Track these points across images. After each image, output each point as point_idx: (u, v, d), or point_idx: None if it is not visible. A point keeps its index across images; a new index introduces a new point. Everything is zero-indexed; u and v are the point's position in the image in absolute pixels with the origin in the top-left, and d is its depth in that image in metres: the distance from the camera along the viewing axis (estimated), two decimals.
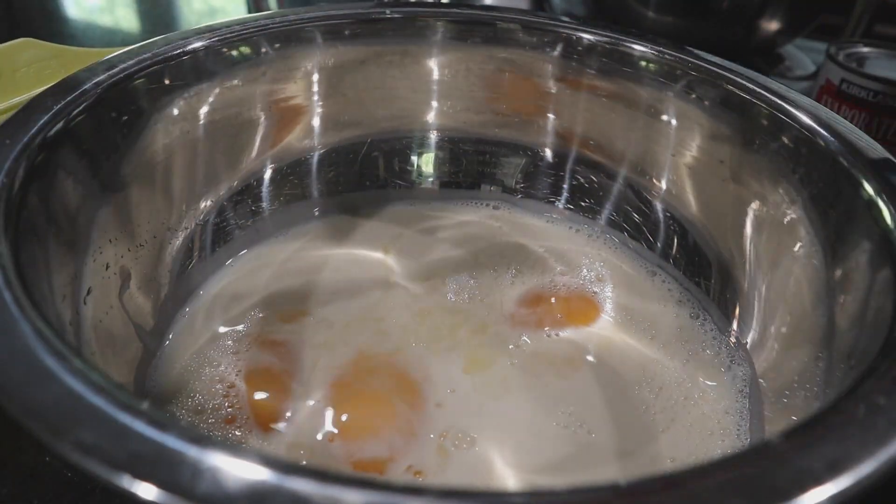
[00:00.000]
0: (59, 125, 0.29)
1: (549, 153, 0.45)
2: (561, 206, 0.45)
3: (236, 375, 0.33)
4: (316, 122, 0.43)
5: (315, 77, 0.42)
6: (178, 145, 0.36)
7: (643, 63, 0.40)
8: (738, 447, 0.31)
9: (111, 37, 0.78)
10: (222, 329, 0.35)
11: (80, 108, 0.30)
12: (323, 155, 0.44)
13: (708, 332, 0.37)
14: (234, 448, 0.16)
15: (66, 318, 0.26)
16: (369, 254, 0.41)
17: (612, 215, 0.43)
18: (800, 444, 0.18)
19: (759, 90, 0.35)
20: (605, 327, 0.37)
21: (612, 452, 0.30)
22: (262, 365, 0.33)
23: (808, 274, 0.31)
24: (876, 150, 0.30)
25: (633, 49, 0.40)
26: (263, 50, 0.39)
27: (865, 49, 0.55)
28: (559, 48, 0.42)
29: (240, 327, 0.36)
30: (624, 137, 0.42)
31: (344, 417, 0.31)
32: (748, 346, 0.34)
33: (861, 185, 0.29)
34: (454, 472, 0.29)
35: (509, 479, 0.29)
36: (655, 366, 0.35)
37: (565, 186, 0.45)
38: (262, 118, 0.40)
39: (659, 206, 0.41)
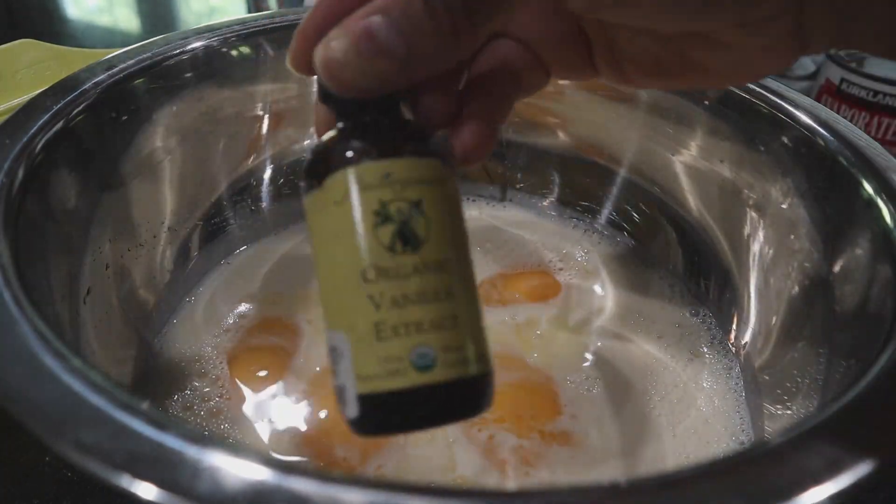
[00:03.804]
0: (59, 125, 0.29)
1: (549, 152, 0.45)
2: (561, 204, 0.45)
3: (230, 370, 0.33)
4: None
5: (315, 77, 0.41)
6: (178, 145, 0.36)
7: None
8: (738, 447, 0.31)
9: (111, 37, 0.78)
10: (218, 326, 0.35)
11: (80, 108, 0.30)
12: None
13: (708, 331, 0.37)
14: (234, 448, 0.16)
15: (66, 317, 0.26)
16: None
17: (612, 215, 0.43)
18: (800, 443, 0.18)
19: (758, 90, 0.35)
20: (603, 326, 0.37)
21: (612, 452, 0.30)
22: (255, 361, 0.34)
23: (808, 273, 0.31)
24: (875, 149, 0.30)
25: None
26: (263, 50, 0.39)
27: None
28: None
29: (235, 323, 0.36)
30: (624, 137, 0.42)
31: (325, 416, 0.31)
32: (748, 345, 0.34)
33: (860, 185, 0.29)
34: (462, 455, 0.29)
35: (510, 468, 0.29)
36: (656, 364, 0.35)
37: (565, 185, 0.45)
38: (262, 118, 0.40)
39: (658, 206, 0.41)
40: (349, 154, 0.18)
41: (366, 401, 0.18)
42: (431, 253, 0.18)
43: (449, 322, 0.18)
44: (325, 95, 0.20)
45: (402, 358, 0.17)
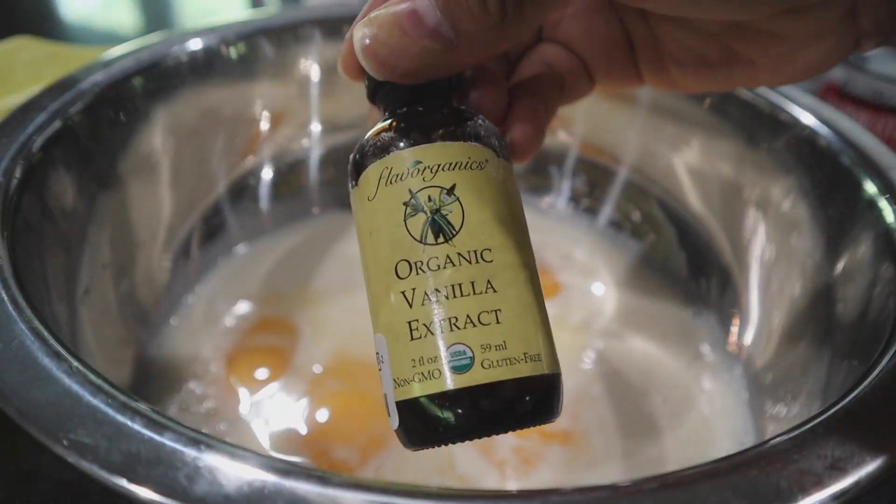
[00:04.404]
0: (57, 124, 0.29)
1: (549, 152, 0.45)
2: (561, 205, 0.45)
3: (228, 371, 0.33)
4: (315, 121, 0.43)
5: (314, 76, 0.41)
6: (177, 144, 0.36)
7: None
8: (739, 447, 0.31)
9: (109, 35, 0.78)
10: (216, 326, 0.35)
11: (78, 107, 0.30)
12: (322, 154, 0.44)
13: (710, 331, 0.37)
14: (232, 449, 0.16)
15: (63, 317, 0.26)
16: None
17: (613, 215, 0.43)
18: (800, 444, 0.17)
19: (760, 89, 0.35)
20: (603, 326, 0.37)
21: (612, 452, 0.30)
22: (253, 361, 0.33)
23: (810, 273, 0.31)
24: (878, 149, 0.30)
25: None
26: (263, 49, 0.39)
27: None
28: None
29: (233, 323, 0.35)
30: (624, 137, 0.42)
31: (324, 417, 0.31)
32: (750, 345, 0.34)
33: (863, 185, 0.28)
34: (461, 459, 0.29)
35: (510, 468, 0.29)
36: (656, 364, 0.35)
37: (565, 186, 0.45)
38: (262, 118, 0.40)
39: (659, 205, 0.41)
40: (380, 146, 0.18)
41: (403, 408, 0.16)
42: (467, 242, 0.16)
43: (489, 317, 0.16)
44: (370, 92, 0.19)
45: (436, 358, 0.16)
